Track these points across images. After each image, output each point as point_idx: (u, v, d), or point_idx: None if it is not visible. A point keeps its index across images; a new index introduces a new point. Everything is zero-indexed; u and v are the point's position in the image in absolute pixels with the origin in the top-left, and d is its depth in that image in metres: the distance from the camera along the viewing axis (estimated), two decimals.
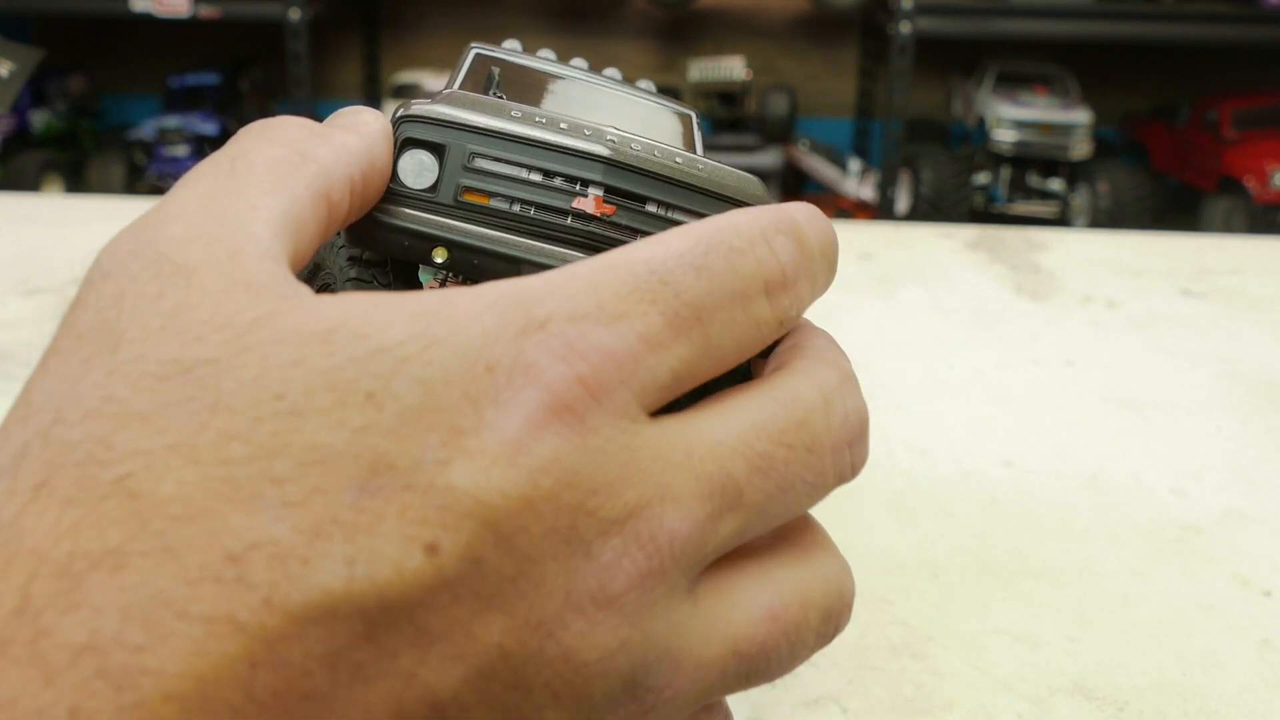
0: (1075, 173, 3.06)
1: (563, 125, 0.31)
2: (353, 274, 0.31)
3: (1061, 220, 3.06)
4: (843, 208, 3.20)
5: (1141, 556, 0.58)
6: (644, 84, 0.40)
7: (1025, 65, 3.15)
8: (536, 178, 0.30)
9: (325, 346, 0.21)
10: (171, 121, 3.04)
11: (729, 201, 0.32)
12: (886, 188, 3.00)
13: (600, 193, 0.30)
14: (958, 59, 3.28)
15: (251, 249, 0.23)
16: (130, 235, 0.24)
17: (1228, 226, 2.87)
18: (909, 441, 0.70)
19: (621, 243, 0.30)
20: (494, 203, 0.30)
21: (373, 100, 3.46)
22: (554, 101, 0.37)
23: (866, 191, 3.16)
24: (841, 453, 0.26)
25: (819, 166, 3.20)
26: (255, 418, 0.20)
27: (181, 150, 3.04)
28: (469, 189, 0.30)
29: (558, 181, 0.30)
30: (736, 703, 0.46)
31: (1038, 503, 0.63)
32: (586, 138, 0.31)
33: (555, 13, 3.51)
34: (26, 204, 1.21)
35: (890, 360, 0.83)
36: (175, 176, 3.03)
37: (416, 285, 0.32)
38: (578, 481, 0.21)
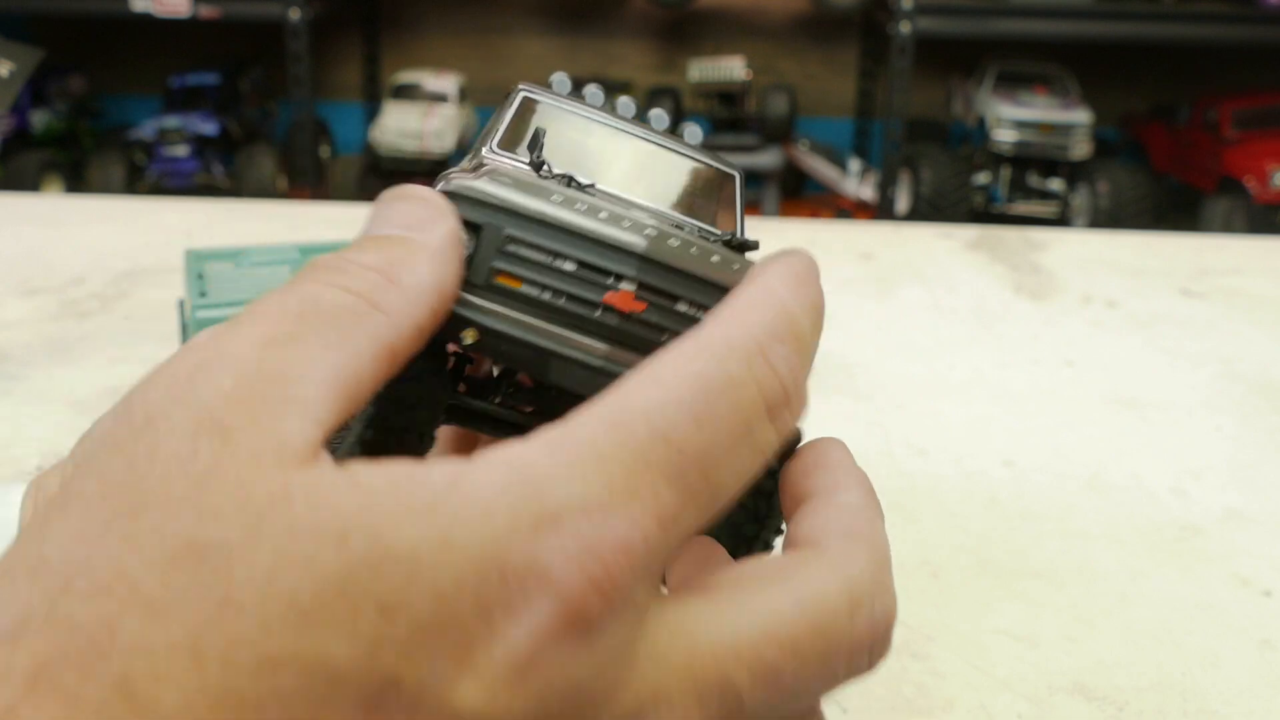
0: (1075, 173, 3.05)
1: (602, 214, 0.30)
2: None
3: (1061, 220, 3.06)
4: (843, 208, 3.20)
5: (1141, 556, 0.58)
6: (690, 131, 0.39)
7: (1025, 65, 3.15)
8: (570, 267, 0.30)
9: (339, 548, 0.20)
10: (171, 121, 3.03)
11: None
12: (886, 188, 3.00)
13: (632, 288, 0.30)
14: (958, 59, 3.28)
15: (296, 416, 0.22)
16: (183, 375, 0.23)
17: (1228, 226, 2.87)
18: (909, 441, 0.70)
19: (650, 341, 0.30)
20: (525, 289, 0.30)
21: (373, 100, 3.47)
22: (596, 161, 0.36)
23: (866, 191, 3.16)
24: (859, 657, 0.24)
25: (819, 166, 3.20)
26: (264, 622, 0.20)
27: (181, 150, 3.04)
28: (502, 272, 0.30)
29: (591, 273, 0.30)
30: None
31: (1038, 503, 0.63)
32: (625, 229, 0.30)
33: (555, 13, 3.51)
34: (26, 204, 1.21)
35: (890, 360, 0.83)
36: (175, 176, 3.05)
37: (444, 360, 0.32)
38: (581, 694, 0.21)
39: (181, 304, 0.73)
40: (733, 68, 3.04)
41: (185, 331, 0.70)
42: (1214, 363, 0.84)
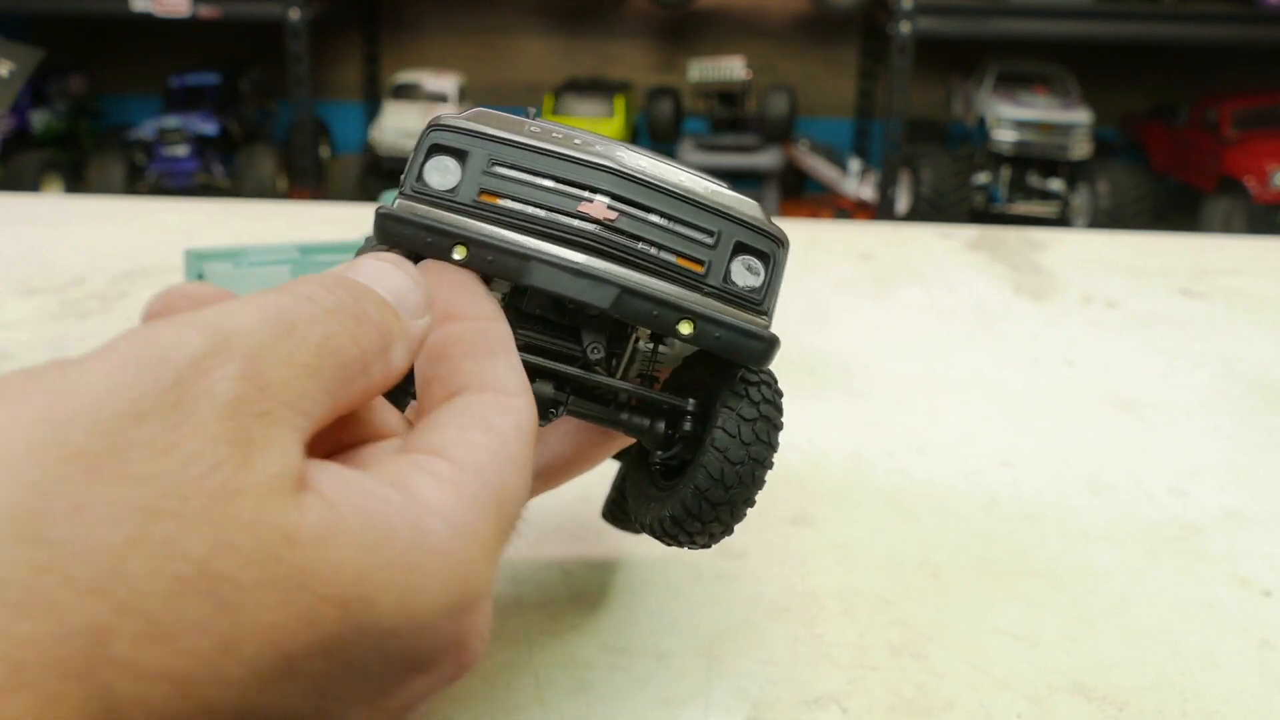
0: (1075, 173, 3.05)
1: (576, 141, 0.34)
2: None
3: (1061, 220, 3.06)
4: (843, 208, 3.20)
5: (1141, 556, 0.58)
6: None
7: (1025, 65, 3.15)
8: (548, 183, 0.33)
9: (343, 615, 0.23)
10: (171, 121, 3.03)
11: (726, 218, 0.35)
12: (886, 188, 3.00)
13: (606, 200, 0.33)
14: (958, 59, 3.28)
15: (297, 445, 0.24)
16: (207, 350, 0.23)
17: (1227, 226, 2.87)
18: (909, 441, 0.70)
19: (627, 249, 0.33)
20: (506, 202, 0.33)
21: (373, 100, 3.46)
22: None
23: (866, 191, 3.16)
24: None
25: (819, 166, 3.20)
26: (257, 672, 0.22)
27: (181, 150, 3.04)
28: (486, 190, 0.33)
29: (567, 187, 0.33)
30: (735, 701, 0.46)
31: (1037, 503, 0.63)
32: (596, 152, 0.34)
33: (555, 13, 3.50)
34: (26, 204, 1.21)
35: (890, 360, 0.83)
36: (175, 176, 3.05)
37: None
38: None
39: None
40: (733, 68, 3.04)
41: None
42: (1213, 363, 0.84)
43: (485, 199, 0.33)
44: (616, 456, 0.44)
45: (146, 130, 3.05)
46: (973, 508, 0.62)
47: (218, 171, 3.12)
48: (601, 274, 0.33)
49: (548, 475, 0.41)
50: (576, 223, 0.33)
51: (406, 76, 3.19)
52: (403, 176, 0.34)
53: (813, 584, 0.54)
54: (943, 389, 0.78)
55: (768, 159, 3.11)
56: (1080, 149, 3.01)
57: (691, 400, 0.38)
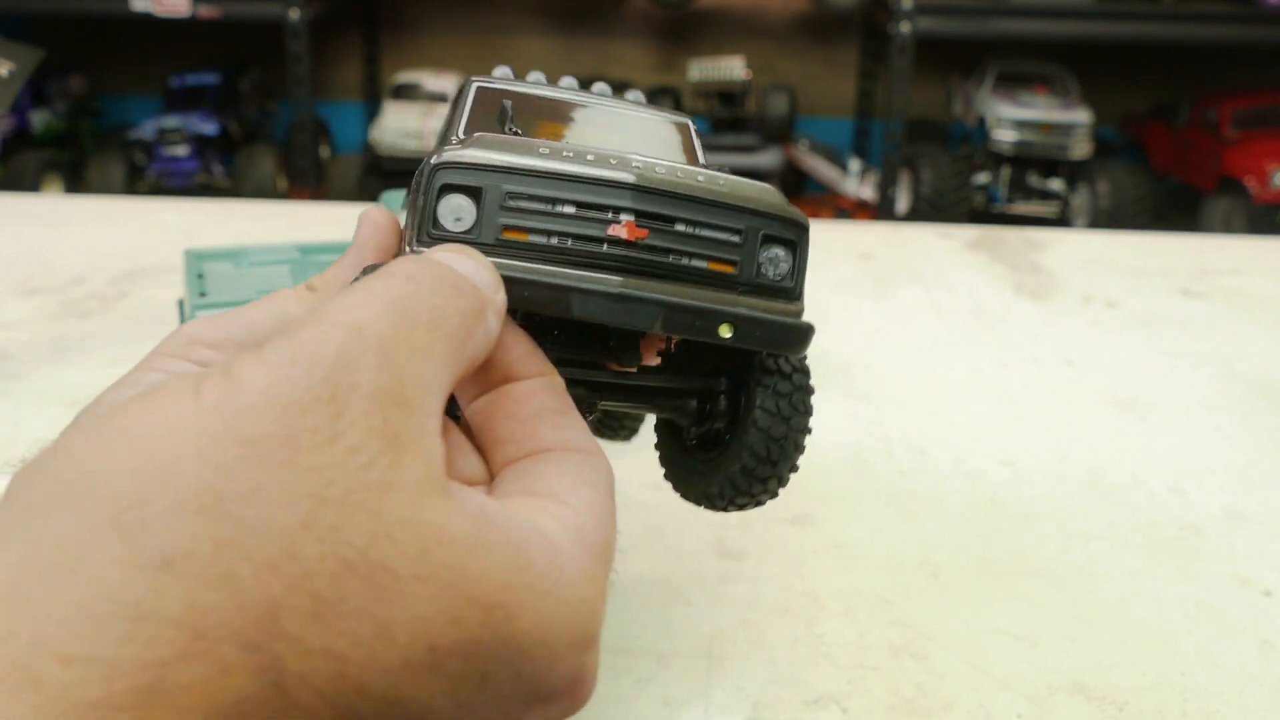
0: (1075, 173, 3.05)
1: (589, 157, 0.32)
2: None
3: (1061, 220, 3.06)
4: (843, 208, 3.20)
5: (1141, 556, 0.58)
6: (633, 95, 0.41)
7: (1025, 65, 3.15)
8: (570, 210, 0.32)
9: (484, 618, 0.24)
10: (171, 121, 3.04)
11: (750, 213, 0.34)
12: (886, 188, 3.00)
13: (631, 218, 0.32)
14: (958, 59, 3.28)
15: (436, 437, 0.26)
16: (344, 346, 0.25)
17: (1228, 226, 2.87)
18: (909, 441, 0.70)
19: (658, 264, 0.33)
20: (533, 238, 0.32)
21: (373, 100, 3.46)
22: (564, 128, 0.38)
23: (866, 191, 3.15)
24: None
25: (819, 166, 3.20)
26: (406, 660, 0.23)
27: (181, 150, 3.04)
28: (508, 227, 0.32)
29: (591, 212, 0.32)
30: (735, 701, 0.46)
31: (1038, 503, 0.63)
32: (613, 167, 0.32)
33: (555, 13, 3.50)
34: (26, 204, 1.21)
35: (890, 360, 0.83)
36: (175, 176, 3.05)
37: None
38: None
39: (181, 303, 0.73)
40: (733, 68, 3.04)
41: None
42: (1213, 363, 0.84)
43: (510, 235, 0.32)
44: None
45: (146, 130, 3.05)
46: (973, 508, 0.62)
47: (218, 171, 3.12)
48: (643, 296, 0.32)
49: None
50: (606, 248, 0.32)
51: (406, 76, 3.19)
52: (412, 222, 0.32)
53: (813, 584, 0.54)
54: (943, 389, 0.78)
55: (768, 159, 3.11)
56: (1080, 149, 3.01)
57: (723, 380, 0.38)
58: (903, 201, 3.07)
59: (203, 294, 0.66)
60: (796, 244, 0.35)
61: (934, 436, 0.71)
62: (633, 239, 0.32)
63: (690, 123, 0.41)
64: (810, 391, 0.37)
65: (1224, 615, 0.53)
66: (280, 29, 2.92)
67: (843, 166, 3.21)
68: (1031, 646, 0.50)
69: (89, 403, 0.28)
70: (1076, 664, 0.49)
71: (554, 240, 0.32)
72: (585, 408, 0.36)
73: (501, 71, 0.40)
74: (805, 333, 0.35)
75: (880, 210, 3.02)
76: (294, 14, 2.88)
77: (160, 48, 3.39)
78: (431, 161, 0.32)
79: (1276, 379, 0.81)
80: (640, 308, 0.32)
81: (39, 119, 3.15)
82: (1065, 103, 3.05)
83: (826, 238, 1.14)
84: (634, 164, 0.32)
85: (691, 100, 3.15)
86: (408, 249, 0.32)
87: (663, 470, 0.42)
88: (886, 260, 1.06)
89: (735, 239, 0.34)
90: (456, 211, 0.32)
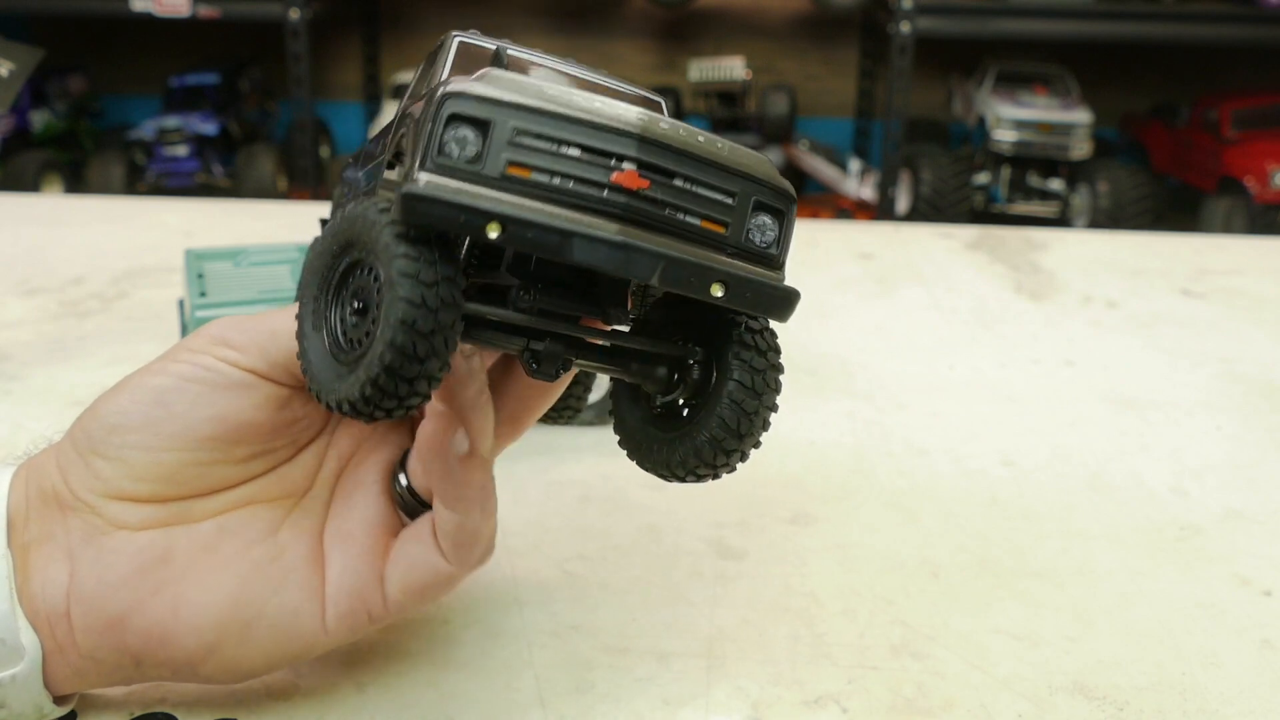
0: (1075, 173, 3.05)
1: (597, 104, 0.33)
2: (401, 252, 0.32)
3: (1061, 220, 3.06)
4: (843, 208, 3.20)
5: (1141, 556, 0.58)
6: (606, 74, 0.43)
7: (1025, 65, 3.15)
8: (575, 153, 0.32)
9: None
10: (171, 121, 3.03)
11: (746, 178, 0.35)
12: (886, 188, 3.00)
13: (634, 167, 0.32)
14: (958, 59, 3.28)
15: None
16: None
17: (1228, 226, 2.87)
18: (909, 441, 0.70)
19: (655, 215, 0.33)
20: (535, 176, 0.32)
21: (373, 100, 3.46)
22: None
23: (866, 191, 3.15)
24: None
25: (819, 166, 3.20)
26: None
27: (181, 150, 3.04)
28: (513, 163, 0.32)
29: (596, 157, 0.32)
30: (735, 701, 0.46)
31: (1038, 503, 0.63)
32: (619, 113, 0.33)
33: (555, 12, 3.50)
34: (26, 204, 1.21)
35: (890, 360, 0.82)
36: (175, 176, 3.05)
37: (458, 258, 0.34)
38: None
39: (181, 303, 0.73)
40: (733, 68, 3.04)
41: (185, 331, 0.70)
42: (1214, 363, 0.84)
43: (514, 172, 0.32)
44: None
45: (146, 130, 3.05)
46: (973, 508, 0.62)
47: (218, 171, 3.11)
48: (644, 247, 0.32)
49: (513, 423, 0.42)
50: (609, 194, 0.32)
51: (406, 76, 3.19)
52: (416, 149, 0.32)
53: (813, 584, 0.54)
54: (943, 389, 0.78)
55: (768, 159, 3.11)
56: (1080, 149, 3.01)
57: (699, 349, 0.39)
58: (903, 201, 3.07)
59: (203, 294, 0.66)
60: (784, 214, 0.36)
61: (934, 436, 0.71)
62: (634, 188, 0.32)
63: (663, 103, 0.42)
64: (781, 371, 0.38)
65: (1224, 615, 0.53)
66: (280, 29, 2.91)
67: (843, 166, 3.21)
68: (1032, 646, 0.50)
69: (89, 399, 0.30)
70: (1077, 664, 0.49)
71: (556, 180, 0.32)
72: (560, 365, 0.36)
73: (471, 34, 0.41)
74: (792, 298, 0.36)
75: (880, 210, 3.02)
76: (294, 14, 2.88)
77: (160, 48, 3.39)
78: (441, 91, 0.32)
79: (1277, 379, 0.81)
80: (640, 258, 0.32)
81: (39, 119, 3.15)
82: (1065, 103, 3.05)
83: (826, 238, 1.14)
84: (638, 113, 0.33)
85: (691, 100, 3.15)
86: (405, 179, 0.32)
87: (616, 438, 0.42)
88: (887, 260, 1.06)
89: (729, 201, 0.35)
90: (462, 142, 0.32)
